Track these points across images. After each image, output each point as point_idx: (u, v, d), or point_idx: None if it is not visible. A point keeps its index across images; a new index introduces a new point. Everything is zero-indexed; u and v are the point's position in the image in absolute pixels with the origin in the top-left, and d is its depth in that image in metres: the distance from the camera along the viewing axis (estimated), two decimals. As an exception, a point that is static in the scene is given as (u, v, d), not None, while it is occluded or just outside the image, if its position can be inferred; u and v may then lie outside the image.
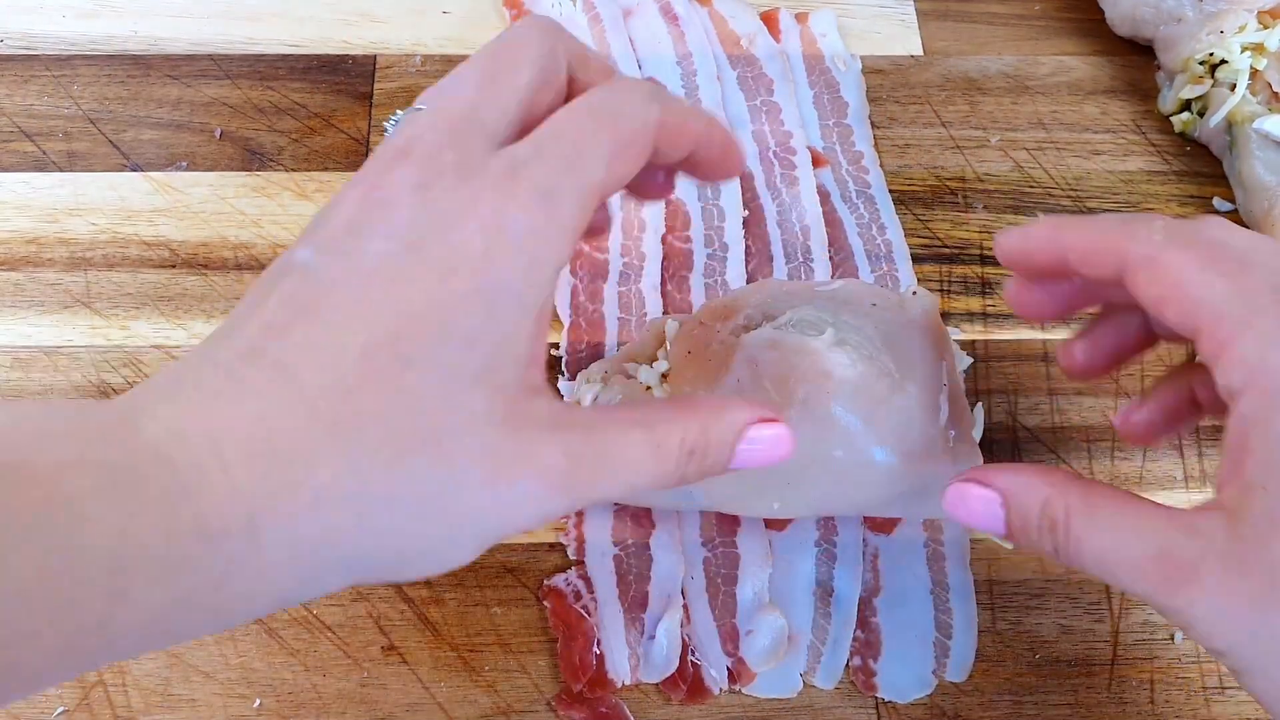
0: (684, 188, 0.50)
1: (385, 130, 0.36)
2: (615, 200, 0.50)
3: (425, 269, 0.26)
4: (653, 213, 0.50)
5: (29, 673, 0.22)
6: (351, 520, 0.25)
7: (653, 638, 0.40)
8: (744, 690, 0.39)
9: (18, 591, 0.21)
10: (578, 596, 0.41)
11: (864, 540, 0.42)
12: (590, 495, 0.28)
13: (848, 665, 0.40)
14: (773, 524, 0.42)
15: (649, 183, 0.33)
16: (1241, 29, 0.51)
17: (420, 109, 0.29)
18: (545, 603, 0.41)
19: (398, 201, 0.26)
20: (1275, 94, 0.51)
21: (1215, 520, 0.27)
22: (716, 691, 0.39)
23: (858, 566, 0.42)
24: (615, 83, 0.30)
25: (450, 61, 0.54)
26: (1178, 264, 0.29)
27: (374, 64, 0.54)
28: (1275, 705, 0.28)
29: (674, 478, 0.29)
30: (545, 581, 0.41)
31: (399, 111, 0.37)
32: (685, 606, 0.41)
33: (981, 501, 0.31)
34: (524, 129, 0.28)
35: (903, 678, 0.40)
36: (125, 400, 0.25)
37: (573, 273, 0.48)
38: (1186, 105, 0.53)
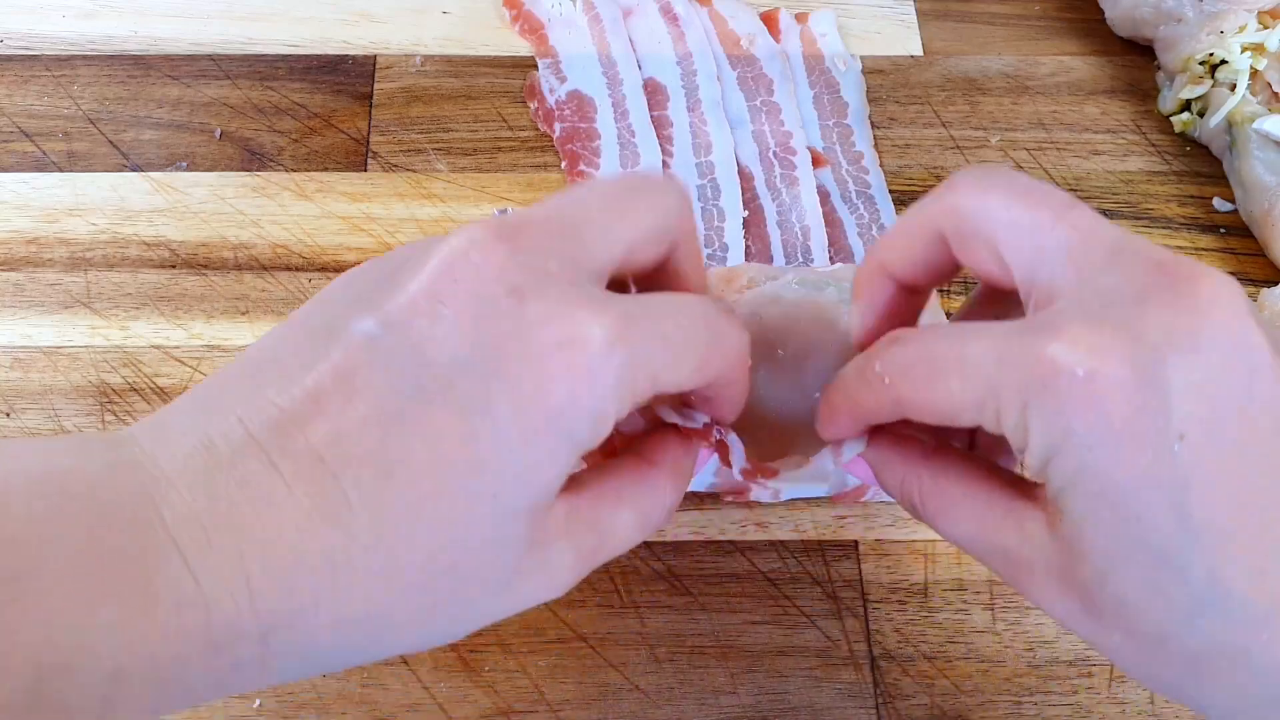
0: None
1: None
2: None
3: (499, 395, 0.24)
4: (653, 213, 0.50)
5: None
6: (368, 639, 0.25)
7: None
8: (774, 484, 0.38)
9: (7, 704, 0.21)
10: None
11: None
12: (585, 573, 0.28)
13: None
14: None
15: None
16: (1241, 29, 0.51)
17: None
18: None
19: (486, 292, 0.24)
20: (1275, 94, 0.51)
21: (1038, 524, 0.27)
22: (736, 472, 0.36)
23: None
24: (722, 306, 0.29)
25: (450, 62, 0.53)
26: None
27: (374, 64, 0.53)
28: (1127, 667, 0.28)
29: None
30: None
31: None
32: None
33: (862, 468, 0.32)
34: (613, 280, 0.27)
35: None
36: (150, 464, 0.24)
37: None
38: (1186, 105, 0.53)
